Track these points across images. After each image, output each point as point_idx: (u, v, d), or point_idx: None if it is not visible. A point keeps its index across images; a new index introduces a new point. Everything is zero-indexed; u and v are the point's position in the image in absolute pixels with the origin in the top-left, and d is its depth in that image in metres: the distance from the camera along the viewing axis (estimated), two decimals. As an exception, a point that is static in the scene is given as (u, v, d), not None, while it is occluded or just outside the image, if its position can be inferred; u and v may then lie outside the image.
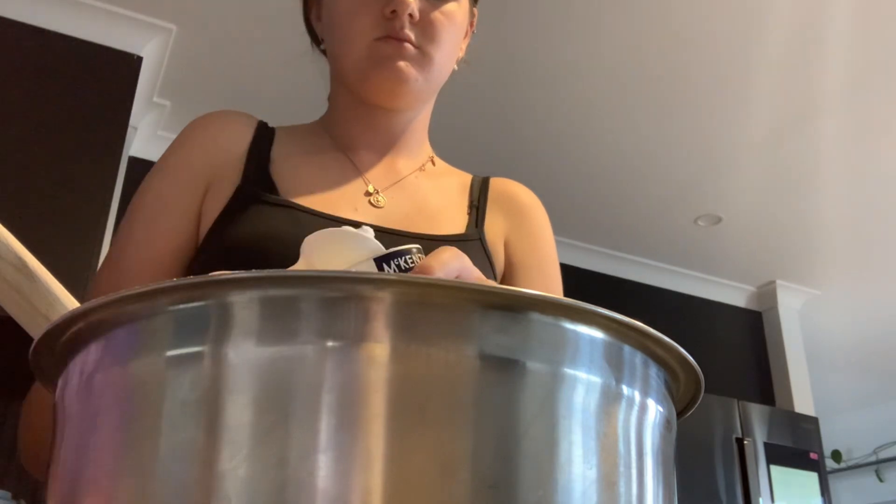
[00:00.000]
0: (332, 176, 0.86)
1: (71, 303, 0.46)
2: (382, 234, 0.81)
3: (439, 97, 0.93)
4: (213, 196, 0.82)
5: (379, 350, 0.33)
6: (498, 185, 0.94)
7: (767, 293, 4.30)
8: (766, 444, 3.42)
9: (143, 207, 0.83)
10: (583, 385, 0.36)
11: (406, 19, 0.79)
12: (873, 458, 5.78)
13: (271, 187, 0.82)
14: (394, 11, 0.79)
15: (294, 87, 2.22)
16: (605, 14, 2.57)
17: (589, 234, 3.82)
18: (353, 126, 0.89)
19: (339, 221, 0.80)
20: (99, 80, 2.44)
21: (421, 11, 0.81)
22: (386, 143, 0.90)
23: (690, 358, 0.39)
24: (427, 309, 0.34)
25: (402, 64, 0.80)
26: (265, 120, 0.91)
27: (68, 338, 0.39)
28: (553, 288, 0.92)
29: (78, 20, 2.48)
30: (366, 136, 0.89)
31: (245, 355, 0.34)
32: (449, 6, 0.83)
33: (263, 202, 0.80)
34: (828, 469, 3.92)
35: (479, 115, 3.01)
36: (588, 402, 0.36)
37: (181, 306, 0.35)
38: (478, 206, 0.90)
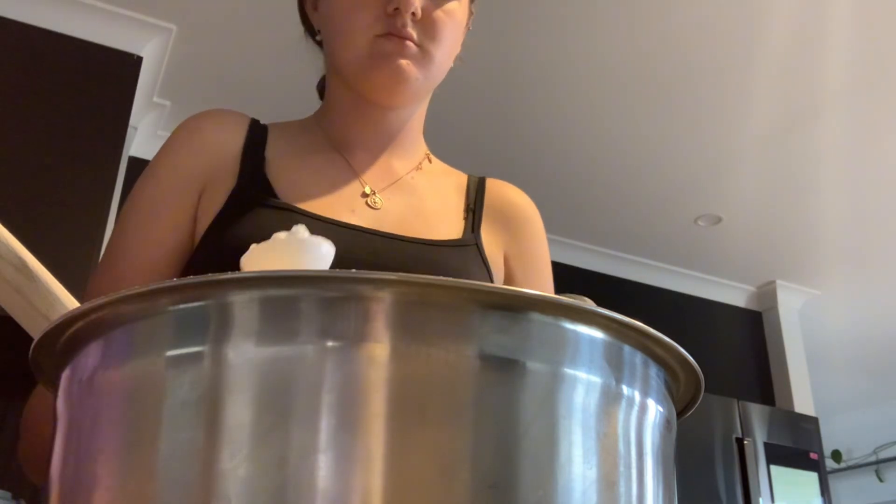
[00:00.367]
0: (328, 177, 0.85)
1: (71, 303, 0.46)
2: (379, 237, 0.80)
3: (439, 97, 0.93)
4: (208, 198, 0.81)
5: (379, 350, 0.33)
6: (495, 188, 0.94)
7: (767, 293, 4.30)
8: (766, 444, 3.42)
9: (136, 212, 0.82)
10: (583, 385, 0.36)
11: (408, 17, 0.79)
12: (873, 458, 5.77)
13: (268, 189, 0.81)
14: (396, 9, 0.79)
15: (294, 87, 2.22)
16: (605, 14, 2.57)
17: (589, 234, 3.82)
18: (348, 123, 0.88)
19: (336, 224, 0.80)
20: (99, 80, 2.44)
21: (423, 9, 0.80)
22: (382, 142, 0.89)
23: (690, 358, 0.39)
24: (427, 309, 0.34)
25: (402, 62, 0.80)
26: (267, 119, 0.91)
27: (68, 338, 0.39)
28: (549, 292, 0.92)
29: (78, 20, 2.48)
30: (362, 133, 0.88)
31: (245, 355, 0.34)
32: (450, 4, 0.83)
33: (260, 204, 0.79)
34: (828, 469, 3.91)
35: (478, 114, 3.01)
36: (588, 402, 0.36)
37: (181, 306, 0.35)
38: (474, 209, 0.90)
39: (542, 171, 3.32)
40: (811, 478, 3.48)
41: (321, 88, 0.95)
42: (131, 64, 2.53)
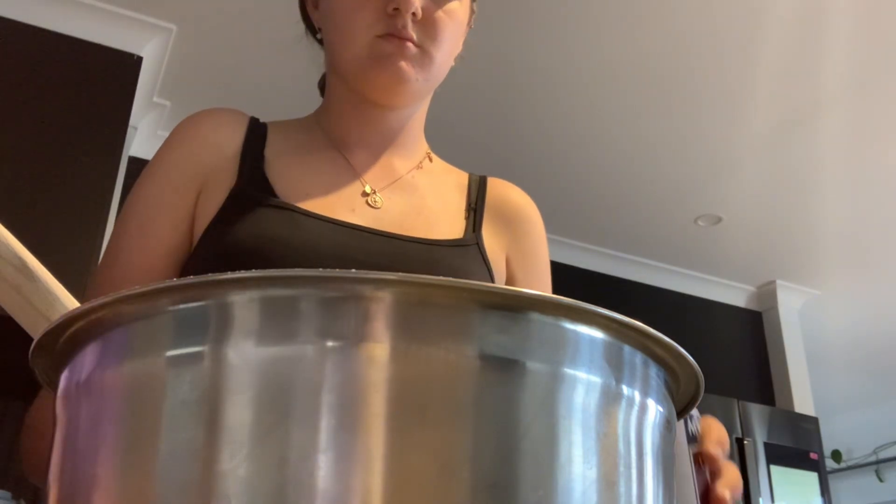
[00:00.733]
0: (328, 176, 0.85)
1: (71, 303, 0.46)
2: (379, 236, 0.80)
3: (440, 97, 0.93)
4: (206, 198, 0.81)
5: (379, 350, 0.33)
6: (496, 188, 0.94)
7: (767, 293, 4.30)
8: (766, 444, 3.42)
9: (135, 213, 0.82)
10: (583, 385, 0.36)
11: (409, 17, 0.79)
12: (873, 458, 5.78)
13: (267, 188, 0.81)
14: (396, 9, 0.78)
15: (294, 87, 2.22)
16: (606, 14, 2.57)
17: (589, 234, 3.82)
18: (348, 122, 0.88)
19: (336, 223, 0.80)
20: (99, 80, 2.44)
21: (424, 10, 0.80)
22: (382, 141, 0.89)
23: (690, 358, 0.39)
24: (427, 309, 0.34)
25: (402, 63, 0.80)
26: (267, 119, 0.91)
27: (68, 338, 0.39)
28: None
29: (78, 20, 2.48)
30: (362, 132, 0.88)
31: (245, 355, 0.34)
32: (451, 5, 0.82)
33: (260, 204, 0.79)
34: (828, 469, 3.91)
35: (479, 115, 3.01)
36: (588, 402, 0.36)
37: (181, 306, 0.35)
38: (475, 209, 0.90)
39: (542, 171, 3.32)
40: (811, 478, 3.48)
41: (322, 86, 0.95)
42: (131, 64, 2.53)
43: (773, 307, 4.28)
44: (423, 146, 0.94)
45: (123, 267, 0.80)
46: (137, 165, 2.87)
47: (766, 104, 2.93)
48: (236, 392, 0.33)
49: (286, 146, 0.87)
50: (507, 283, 0.90)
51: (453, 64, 0.88)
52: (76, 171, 2.27)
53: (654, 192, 3.49)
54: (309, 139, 0.89)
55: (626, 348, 0.37)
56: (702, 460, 0.56)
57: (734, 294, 4.32)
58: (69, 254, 2.13)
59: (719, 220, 3.66)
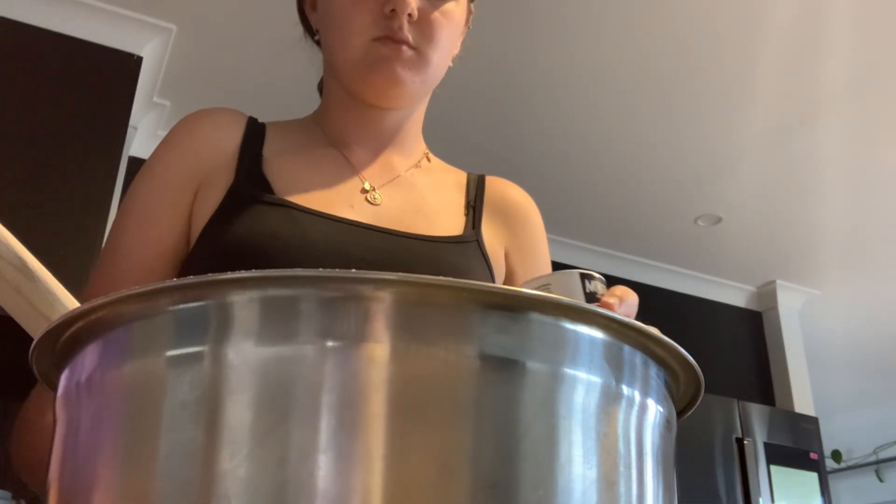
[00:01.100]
0: (326, 173, 0.85)
1: (71, 303, 0.46)
2: (379, 233, 0.80)
3: (440, 97, 0.93)
4: (204, 196, 0.81)
5: (379, 350, 0.33)
6: (494, 185, 0.94)
7: (767, 293, 4.30)
8: (766, 444, 3.42)
9: (132, 212, 0.82)
10: (583, 385, 0.36)
11: (405, 19, 0.79)
12: (873, 458, 5.77)
13: (265, 186, 0.81)
14: (393, 10, 0.78)
15: (294, 87, 2.22)
16: (606, 14, 2.57)
17: (589, 234, 3.82)
18: (346, 122, 0.88)
19: (335, 220, 0.80)
20: (99, 80, 2.44)
21: (420, 11, 0.80)
22: (380, 140, 0.89)
23: (690, 358, 0.39)
24: (427, 309, 0.34)
25: (397, 67, 0.80)
26: (265, 118, 0.91)
27: (68, 338, 0.39)
28: None
29: (78, 20, 2.48)
30: (360, 132, 0.88)
31: (245, 355, 0.34)
32: (448, 6, 0.82)
33: (259, 201, 0.79)
34: (828, 469, 3.91)
35: (479, 114, 3.01)
36: (588, 402, 0.36)
37: (181, 306, 0.35)
38: (474, 206, 0.90)
39: (542, 171, 3.32)
40: (811, 478, 3.48)
41: (321, 88, 0.95)
42: (131, 64, 2.53)
43: (773, 307, 4.28)
44: (422, 146, 0.94)
45: (121, 265, 0.80)
46: (137, 165, 2.85)
47: (765, 104, 2.93)
48: (236, 392, 0.33)
49: (284, 145, 0.87)
50: (506, 278, 0.90)
51: (451, 65, 0.88)
52: (76, 171, 2.27)
53: (654, 192, 3.49)
54: (307, 138, 0.89)
55: (626, 348, 0.37)
56: None
57: (734, 294, 4.32)
58: (69, 254, 2.13)
59: (719, 220, 3.66)
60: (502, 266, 0.90)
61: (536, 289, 0.57)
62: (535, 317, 0.35)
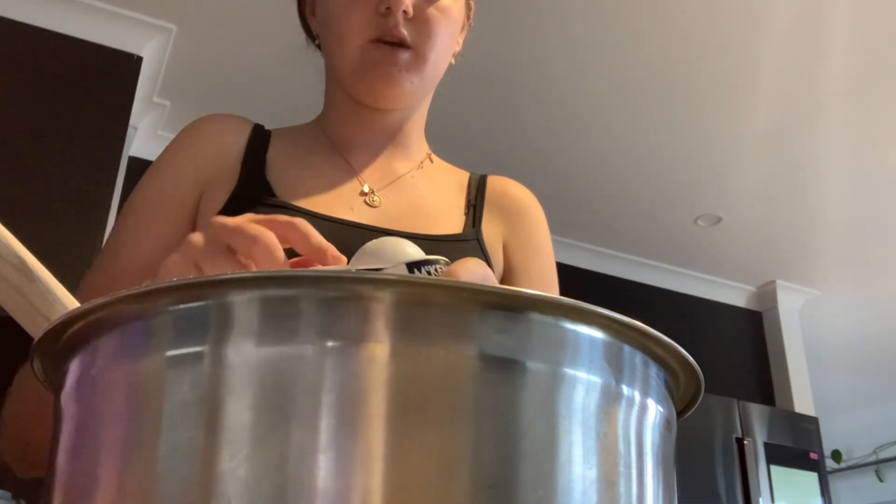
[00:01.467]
0: (327, 177, 0.85)
1: (71, 303, 0.46)
2: (379, 233, 0.80)
3: (441, 96, 0.93)
4: (208, 199, 0.82)
5: (379, 350, 0.33)
6: (495, 184, 0.94)
7: (767, 293, 4.30)
8: (766, 444, 3.42)
9: (135, 211, 0.82)
10: (583, 385, 0.36)
11: (400, 16, 0.79)
12: (873, 458, 5.78)
13: (268, 190, 0.81)
14: (388, 8, 0.78)
15: (294, 87, 2.22)
16: (606, 15, 2.57)
17: (589, 234, 3.82)
18: (347, 124, 0.89)
19: (335, 222, 0.80)
20: (99, 80, 2.44)
21: (415, 7, 0.80)
22: (381, 142, 0.89)
23: (690, 358, 0.39)
24: (427, 309, 0.34)
25: (394, 69, 0.80)
26: (265, 119, 0.91)
27: (68, 338, 0.39)
28: (551, 290, 0.91)
29: (78, 20, 2.48)
30: (360, 134, 0.88)
31: (245, 355, 0.34)
32: (444, 2, 0.82)
33: (259, 203, 0.79)
34: (828, 469, 3.92)
35: (479, 114, 3.01)
36: (588, 402, 0.36)
37: (181, 306, 0.35)
38: (475, 205, 0.90)
39: (543, 171, 3.32)
40: (811, 478, 3.48)
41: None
42: (131, 64, 2.53)
43: (773, 307, 4.28)
44: (424, 147, 0.94)
45: (120, 264, 0.80)
46: (137, 165, 2.87)
47: (765, 104, 2.93)
48: (236, 392, 0.33)
49: (288, 151, 0.87)
50: (504, 273, 0.90)
51: (453, 62, 0.88)
52: (76, 171, 2.27)
53: (654, 192, 3.49)
54: (310, 143, 0.89)
55: (626, 348, 0.37)
56: None
57: (734, 294, 4.32)
58: (69, 254, 2.13)
59: (719, 220, 3.66)
60: (501, 260, 0.90)
61: None
62: (535, 317, 0.35)
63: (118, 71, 2.49)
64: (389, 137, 0.89)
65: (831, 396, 5.13)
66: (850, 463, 5.85)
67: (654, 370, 0.39)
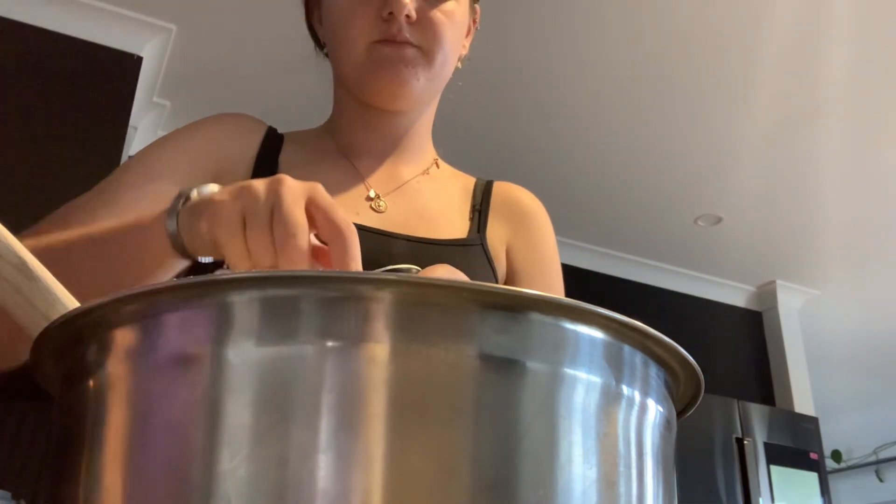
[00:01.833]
0: (333, 182, 0.86)
1: (71, 303, 0.46)
2: (383, 237, 0.81)
3: (443, 96, 0.93)
4: None
5: (379, 350, 0.33)
6: (501, 189, 0.94)
7: (767, 293, 4.30)
8: (766, 444, 3.42)
9: (144, 164, 0.79)
10: (583, 385, 0.36)
11: (403, 21, 0.79)
12: (873, 458, 5.77)
13: None
14: (391, 13, 0.78)
15: (294, 88, 2.22)
16: (607, 14, 2.57)
17: (589, 234, 3.82)
18: (355, 129, 0.89)
19: None
20: (99, 80, 2.44)
21: (419, 11, 0.80)
22: (388, 147, 0.89)
23: (690, 358, 0.39)
24: (427, 309, 0.34)
25: (401, 65, 0.80)
26: (265, 119, 0.91)
27: (68, 337, 0.39)
28: (555, 293, 0.91)
29: (78, 20, 2.48)
30: (368, 139, 0.89)
31: (245, 355, 0.34)
32: (447, 4, 0.82)
33: None
34: (828, 469, 3.91)
35: (480, 114, 3.01)
36: (588, 402, 0.36)
37: (181, 306, 0.35)
38: (480, 210, 0.90)
39: (543, 171, 3.32)
40: (811, 478, 3.48)
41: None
42: (131, 64, 2.53)
43: (773, 307, 4.28)
44: (431, 153, 0.94)
45: (115, 209, 0.74)
46: (137, 165, 2.86)
47: (766, 104, 2.93)
48: (236, 392, 0.33)
49: (298, 156, 0.88)
50: (507, 276, 0.90)
51: (459, 66, 0.88)
52: (76, 171, 2.27)
53: (654, 192, 3.49)
54: (320, 148, 0.90)
55: (626, 348, 0.37)
56: None
57: (734, 294, 4.32)
58: (69, 254, 2.13)
59: (719, 220, 3.66)
60: (504, 264, 0.90)
61: None
62: (535, 317, 0.35)
63: (118, 71, 2.49)
64: (396, 142, 0.90)
65: (831, 396, 5.13)
66: (850, 463, 5.85)
67: (654, 370, 0.39)
